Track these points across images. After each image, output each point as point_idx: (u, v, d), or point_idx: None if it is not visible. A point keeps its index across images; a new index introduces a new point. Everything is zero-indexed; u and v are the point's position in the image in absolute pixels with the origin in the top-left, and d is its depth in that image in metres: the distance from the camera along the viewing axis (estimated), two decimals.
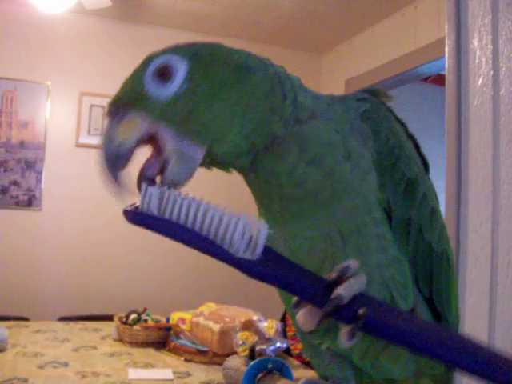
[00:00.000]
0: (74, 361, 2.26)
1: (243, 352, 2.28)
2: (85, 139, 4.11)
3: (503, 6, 1.37)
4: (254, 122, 0.68)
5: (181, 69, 0.66)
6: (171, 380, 2.13)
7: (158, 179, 0.67)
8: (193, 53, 0.68)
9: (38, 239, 3.95)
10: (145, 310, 2.79)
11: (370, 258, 0.73)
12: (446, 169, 1.53)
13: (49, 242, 3.96)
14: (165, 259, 4.23)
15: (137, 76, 0.68)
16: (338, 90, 4.30)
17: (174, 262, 4.25)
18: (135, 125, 0.66)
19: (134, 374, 2.15)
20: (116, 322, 2.70)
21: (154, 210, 0.60)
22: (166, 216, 0.59)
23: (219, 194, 2.80)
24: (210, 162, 0.69)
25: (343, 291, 0.59)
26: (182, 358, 2.42)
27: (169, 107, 0.65)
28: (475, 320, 1.35)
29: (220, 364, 2.32)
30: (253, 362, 0.98)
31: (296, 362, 2.55)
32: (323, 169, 0.71)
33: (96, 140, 4.11)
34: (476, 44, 1.44)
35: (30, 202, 3.96)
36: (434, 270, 0.80)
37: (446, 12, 1.53)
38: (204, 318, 2.53)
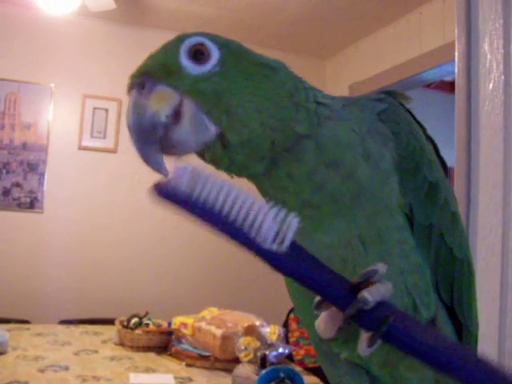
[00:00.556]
0: (75, 364, 2.24)
1: (245, 357, 2.26)
2: (87, 142, 4.10)
3: None
4: (278, 119, 0.68)
5: (215, 52, 0.68)
6: None
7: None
8: (223, 42, 0.70)
9: (39, 242, 3.94)
10: (146, 313, 2.78)
11: (393, 265, 0.71)
12: (456, 174, 1.52)
13: (50, 245, 3.94)
14: (167, 263, 4.22)
15: (170, 50, 0.69)
16: (342, 94, 4.29)
17: (176, 266, 4.24)
18: (168, 96, 0.66)
19: (135, 378, 2.13)
20: (117, 326, 2.68)
21: (184, 188, 0.58)
22: (195, 195, 0.58)
23: None
24: (222, 157, 0.68)
25: (369, 295, 0.57)
26: (184, 363, 2.40)
27: (200, 84, 0.66)
28: (485, 326, 1.34)
29: (222, 369, 2.33)
30: (264, 371, 0.96)
31: (298, 368, 2.53)
32: (343, 171, 0.70)
33: (98, 143, 4.11)
34: (487, 48, 1.43)
35: (32, 204, 3.95)
36: (455, 276, 0.78)
37: (456, 15, 1.52)
38: (206, 322, 2.51)
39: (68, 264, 3.97)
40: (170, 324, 2.69)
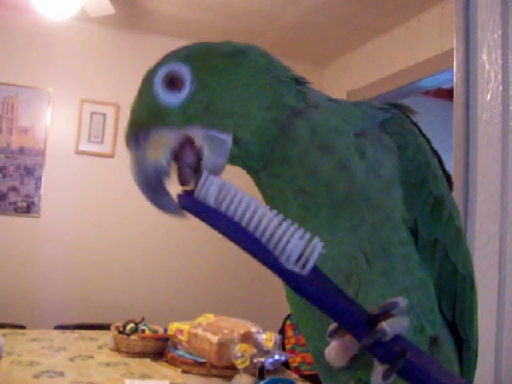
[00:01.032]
0: (70, 370, 2.23)
1: (241, 364, 2.25)
2: (85, 146, 4.10)
3: None
4: (267, 96, 0.69)
5: (186, 72, 0.67)
6: None
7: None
8: (188, 55, 0.69)
9: (35, 246, 3.93)
10: (142, 319, 2.76)
11: (397, 281, 0.70)
12: (454, 184, 1.52)
13: (47, 250, 3.93)
14: (164, 268, 4.21)
15: (146, 94, 0.68)
16: None
17: (172, 272, 4.23)
18: (164, 139, 0.66)
19: None
20: (113, 332, 2.67)
21: (211, 200, 0.57)
22: (222, 209, 0.57)
23: None
24: (239, 155, 0.69)
25: (388, 327, 0.56)
26: (180, 370, 2.39)
27: (189, 110, 0.66)
28: (482, 337, 1.33)
29: (218, 376, 2.32)
30: (263, 382, 0.95)
31: (294, 376, 2.53)
32: (335, 157, 0.69)
33: (96, 147, 4.10)
34: (485, 58, 1.43)
35: (28, 208, 3.94)
36: (457, 292, 0.77)
37: (455, 25, 1.52)
38: (202, 329, 2.50)
39: (64, 269, 3.95)
40: (166, 330, 2.68)
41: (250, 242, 0.56)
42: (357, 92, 4.20)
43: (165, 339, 2.62)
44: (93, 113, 4.11)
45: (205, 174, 0.59)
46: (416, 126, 0.78)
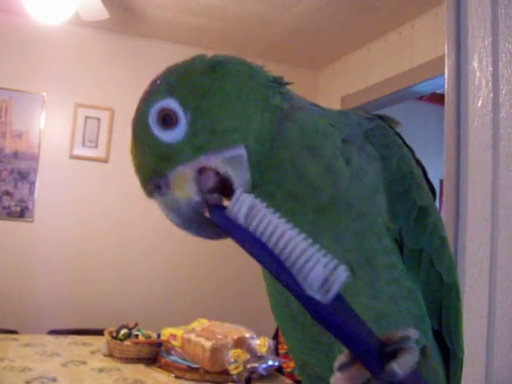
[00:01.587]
0: (63, 376, 2.22)
1: (235, 370, 2.25)
2: (79, 151, 4.09)
3: (503, 28, 1.37)
4: (260, 99, 0.69)
5: (175, 106, 0.66)
6: None
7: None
8: (169, 87, 0.68)
9: (29, 251, 3.91)
10: (136, 325, 2.76)
11: (383, 291, 0.70)
12: (445, 190, 1.52)
13: (40, 255, 3.92)
14: (157, 274, 4.20)
15: (146, 140, 0.67)
16: (334, 106, 4.30)
17: (166, 277, 4.22)
18: (185, 176, 0.66)
19: None
20: (106, 337, 2.66)
21: (241, 219, 0.58)
22: (250, 228, 0.58)
23: None
24: (254, 165, 0.68)
25: (399, 368, 0.55)
26: (173, 375, 2.39)
27: (195, 141, 0.66)
28: (473, 345, 1.34)
29: (211, 382, 2.32)
30: None
31: (288, 381, 2.52)
32: (322, 160, 0.69)
33: (90, 152, 4.10)
34: (476, 65, 1.44)
35: (22, 213, 3.93)
36: (443, 302, 0.77)
37: (446, 32, 1.53)
38: (196, 334, 2.50)
39: (58, 273, 3.94)
40: (159, 335, 2.68)
41: (274, 264, 0.57)
42: (351, 97, 4.21)
43: (158, 344, 2.61)
44: (87, 117, 4.10)
45: (238, 192, 0.60)
46: (399, 136, 0.78)
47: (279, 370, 2.65)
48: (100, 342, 2.76)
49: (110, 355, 2.61)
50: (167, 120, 0.66)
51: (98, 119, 4.11)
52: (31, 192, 3.95)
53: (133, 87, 4.40)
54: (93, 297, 4.01)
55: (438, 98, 4.89)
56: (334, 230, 0.70)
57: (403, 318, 0.71)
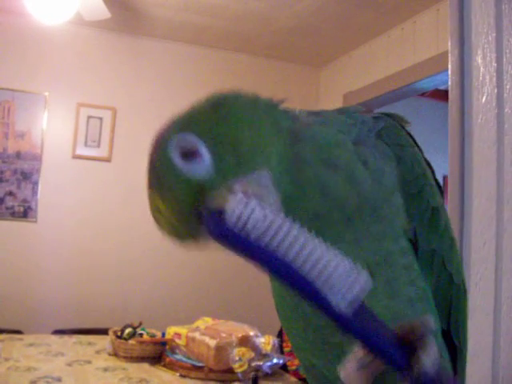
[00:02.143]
0: (68, 376, 2.22)
1: (239, 368, 2.25)
2: (81, 150, 4.09)
3: (507, 23, 1.36)
4: (271, 123, 0.68)
5: (193, 139, 0.64)
6: None
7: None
8: (180, 126, 0.67)
9: (32, 251, 3.92)
10: (140, 324, 2.76)
11: (401, 292, 0.70)
12: (449, 187, 1.52)
13: (44, 254, 3.93)
14: (161, 272, 4.20)
15: (176, 180, 0.64)
16: (336, 103, 4.30)
17: (170, 276, 4.22)
18: (223, 195, 0.61)
19: None
20: (111, 336, 2.66)
21: (256, 235, 0.56)
22: (268, 244, 0.56)
23: None
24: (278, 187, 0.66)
25: (429, 363, 0.54)
26: (178, 374, 2.39)
27: (226, 172, 0.64)
28: (479, 342, 1.33)
29: (216, 380, 2.32)
30: None
31: (293, 379, 2.52)
32: (342, 171, 0.68)
33: (93, 151, 4.10)
34: (480, 61, 1.43)
35: (25, 213, 3.93)
36: (453, 301, 0.78)
37: (449, 28, 1.52)
38: (200, 332, 2.50)
39: (61, 273, 3.95)
40: (163, 334, 2.68)
41: (296, 280, 0.55)
42: (353, 94, 4.20)
43: (163, 343, 2.61)
44: (89, 117, 4.10)
45: (257, 205, 0.58)
46: (410, 135, 0.78)
47: (284, 367, 2.65)
48: (104, 342, 2.76)
49: (115, 354, 2.61)
50: (187, 155, 0.64)
51: (101, 119, 4.11)
52: (34, 192, 3.96)
53: (135, 86, 4.43)
54: (97, 296, 4.02)
55: (440, 95, 4.88)
56: (354, 233, 0.69)
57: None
